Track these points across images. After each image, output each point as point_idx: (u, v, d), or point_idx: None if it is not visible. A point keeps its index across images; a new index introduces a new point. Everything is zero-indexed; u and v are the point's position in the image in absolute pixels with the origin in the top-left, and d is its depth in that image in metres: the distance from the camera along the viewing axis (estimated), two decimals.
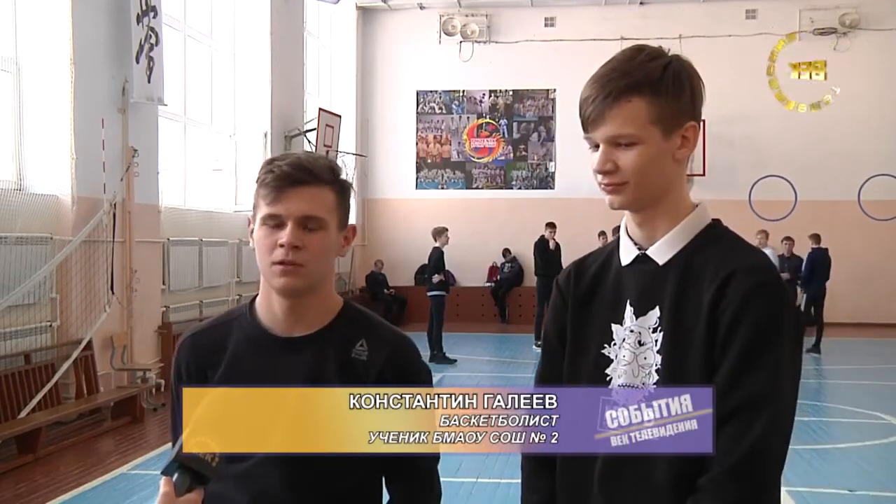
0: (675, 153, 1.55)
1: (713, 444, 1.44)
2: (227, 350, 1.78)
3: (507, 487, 5.73)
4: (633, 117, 1.50)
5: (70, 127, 8.07)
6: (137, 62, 8.89)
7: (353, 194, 1.86)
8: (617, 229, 1.74)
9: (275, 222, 1.67)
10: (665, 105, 1.51)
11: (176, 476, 1.34)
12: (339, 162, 1.82)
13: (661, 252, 1.58)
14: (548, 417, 1.72)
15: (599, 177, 1.56)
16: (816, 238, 12.92)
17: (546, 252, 13.31)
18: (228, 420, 1.43)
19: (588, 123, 1.55)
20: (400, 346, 1.78)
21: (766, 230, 11.73)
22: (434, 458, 1.84)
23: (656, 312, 1.55)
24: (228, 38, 12.87)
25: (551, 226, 13.73)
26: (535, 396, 1.76)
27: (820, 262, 12.70)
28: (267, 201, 1.68)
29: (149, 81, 9.13)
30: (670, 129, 1.53)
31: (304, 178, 1.66)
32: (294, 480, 1.71)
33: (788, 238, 13.01)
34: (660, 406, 1.51)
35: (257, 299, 1.80)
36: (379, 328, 1.80)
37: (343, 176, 1.76)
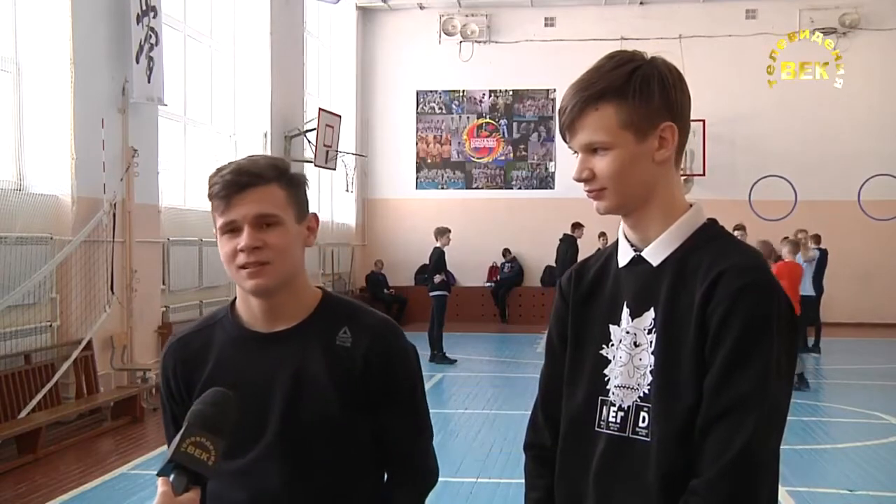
0: (653, 155, 1.56)
1: (704, 446, 1.44)
2: (211, 352, 1.81)
3: (507, 487, 5.73)
4: (603, 124, 1.53)
5: (70, 127, 8.07)
6: (137, 62, 8.89)
7: (309, 186, 1.89)
8: None
9: (231, 228, 1.70)
10: (633, 109, 1.52)
11: (173, 476, 1.34)
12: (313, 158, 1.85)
13: (655, 253, 1.59)
14: (550, 417, 1.74)
15: (582, 184, 1.59)
16: (817, 239, 12.98)
17: (570, 252, 13.50)
18: (221, 418, 1.43)
19: (564, 133, 1.59)
20: (383, 331, 1.80)
21: (805, 229, 11.61)
22: (427, 439, 1.88)
23: (651, 314, 1.56)
24: (228, 38, 12.87)
25: (580, 226, 13.90)
26: (538, 396, 1.78)
27: (824, 262, 12.78)
28: (219, 212, 1.72)
29: (149, 81, 9.13)
30: (644, 131, 1.54)
31: (248, 182, 1.70)
32: (291, 475, 1.73)
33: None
34: (654, 407, 1.52)
35: (237, 300, 1.83)
36: (360, 314, 1.82)
37: (291, 170, 1.79)
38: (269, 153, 13.00)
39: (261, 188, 1.70)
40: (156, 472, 1.35)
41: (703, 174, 16.34)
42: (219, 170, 1.74)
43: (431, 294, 12.12)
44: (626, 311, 1.60)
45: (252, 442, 1.74)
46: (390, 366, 1.77)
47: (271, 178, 1.72)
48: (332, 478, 1.75)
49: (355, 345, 1.75)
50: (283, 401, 1.73)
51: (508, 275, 17.59)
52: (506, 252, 17.58)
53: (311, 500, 1.74)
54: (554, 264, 16.36)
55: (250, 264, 1.68)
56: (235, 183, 1.69)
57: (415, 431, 1.85)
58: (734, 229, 11.25)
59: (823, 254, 12.87)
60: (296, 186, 1.77)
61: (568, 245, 13.84)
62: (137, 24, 8.92)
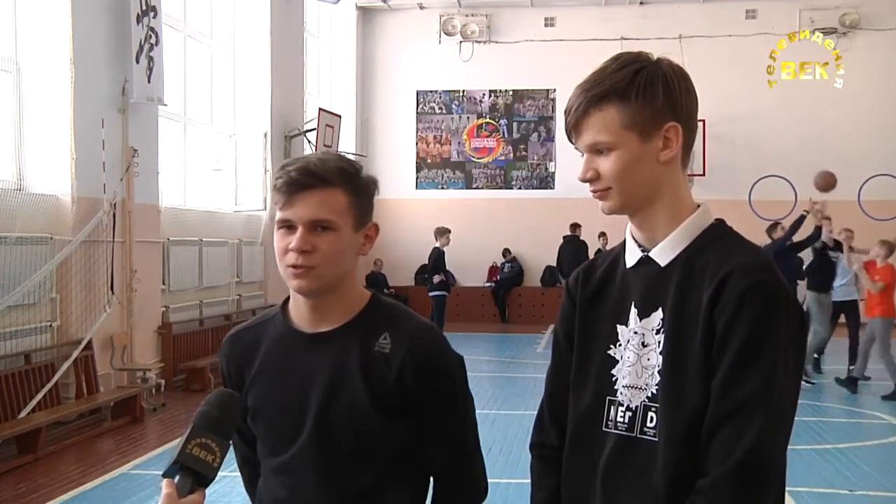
0: (658, 155, 1.56)
1: (711, 446, 1.45)
2: (261, 348, 1.83)
3: (507, 487, 5.72)
4: (606, 124, 1.54)
5: (70, 127, 8.07)
6: (137, 62, 8.89)
7: (378, 192, 1.87)
8: None
9: (287, 226, 1.70)
10: (637, 110, 1.53)
11: (178, 478, 1.34)
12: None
13: (663, 253, 1.59)
14: (556, 416, 1.74)
15: (587, 185, 1.60)
16: None
17: (583, 251, 13.55)
18: (226, 420, 1.43)
19: (570, 134, 1.61)
20: (421, 338, 1.78)
21: (851, 229, 11.46)
22: (469, 450, 1.84)
23: (659, 314, 1.56)
24: (228, 38, 12.87)
25: (578, 226, 13.91)
26: (544, 396, 1.78)
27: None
28: (279, 206, 1.71)
29: (149, 81, 9.13)
30: (648, 131, 1.55)
31: (311, 183, 1.68)
32: (324, 476, 1.73)
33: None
34: (661, 407, 1.52)
35: (289, 298, 1.84)
36: (402, 320, 1.80)
37: (360, 174, 1.76)
38: (269, 153, 13.00)
39: (323, 191, 1.68)
40: (161, 473, 1.35)
41: (703, 174, 16.34)
42: (288, 163, 1.73)
43: (431, 294, 12.13)
44: (633, 312, 1.60)
45: (291, 440, 1.75)
46: (426, 374, 1.74)
47: (336, 183, 1.70)
48: (367, 480, 1.74)
49: (393, 351, 1.74)
50: (319, 402, 1.73)
51: (508, 275, 17.59)
52: (506, 252, 17.58)
53: (344, 500, 1.74)
54: (554, 265, 16.41)
55: (297, 266, 1.68)
56: (298, 182, 1.68)
57: (454, 442, 1.81)
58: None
59: None
60: (361, 193, 1.75)
61: (577, 245, 13.88)
62: (137, 24, 8.91)
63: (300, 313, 1.79)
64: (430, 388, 1.75)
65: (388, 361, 1.73)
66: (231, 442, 1.42)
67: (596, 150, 1.57)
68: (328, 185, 1.69)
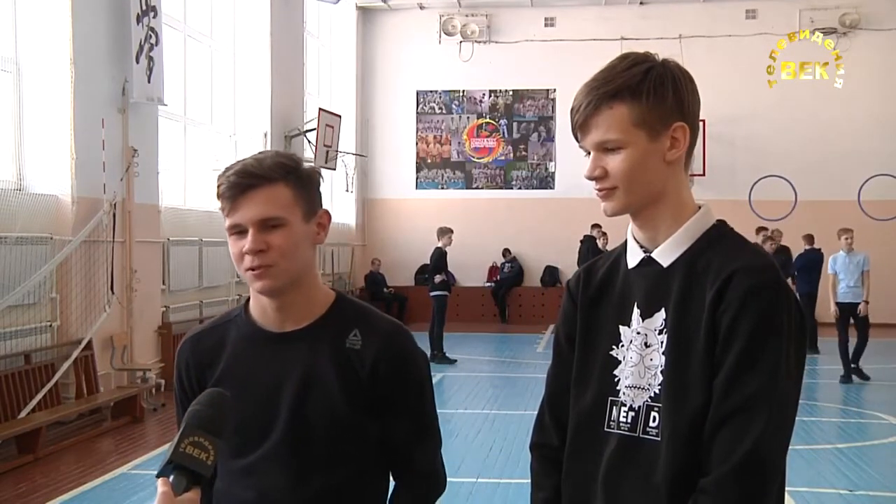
0: (664, 155, 1.57)
1: (714, 445, 1.45)
2: (225, 349, 1.82)
3: (507, 487, 5.72)
4: (616, 122, 1.54)
5: (70, 127, 8.07)
6: (137, 62, 8.89)
7: (323, 180, 1.86)
8: None
9: (237, 230, 1.70)
10: (647, 108, 1.54)
11: (172, 477, 1.34)
12: (301, 154, 1.83)
13: (665, 254, 1.60)
14: (557, 417, 1.74)
15: (593, 183, 1.60)
16: (810, 239, 13.02)
17: (597, 252, 13.56)
18: (218, 418, 1.43)
19: (577, 132, 1.60)
20: (393, 335, 1.80)
21: (851, 228, 11.42)
22: (434, 445, 1.88)
23: (662, 314, 1.57)
24: (228, 38, 12.87)
25: (597, 226, 13.87)
26: (544, 396, 1.78)
27: (814, 262, 12.80)
28: (226, 213, 1.71)
29: (149, 81, 9.13)
30: (656, 130, 1.55)
31: (252, 183, 1.68)
32: (296, 475, 1.73)
33: (771, 238, 13.12)
34: (664, 407, 1.53)
35: (251, 299, 1.84)
36: (372, 318, 1.82)
37: (300, 166, 1.75)
38: None
39: (265, 189, 1.68)
40: (155, 474, 1.35)
41: (703, 174, 16.35)
42: (226, 169, 1.73)
43: (432, 294, 12.13)
44: (636, 312, 1.61)
45: (259, 441, 1.75)
46: (399, 371, 1.77)
47: (277, 178, 1.69)
48: (337, 479, 1.75)
49: (365, 348, 1.75)
50: (292, 401, 1.73)
51: (508, 275, 17.60)
52: (506, 252, 17.59)
53: (315, 500, 1.74)
54: (554, 265, 16.39)
55: (255, 267, 1.68)
56: (239, 184, 1.68)
57: (421, 437, 1.85)
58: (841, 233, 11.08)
59: (818, 254, 12.88)
60: (305, 184, 1.74)
61: (588, 246, 13.89)
62: (137, 24, 8.91)
63: (264, 314, 1.79)
64: (402, 384, 1.78)
65: (361, 357, 1.75)
66: (224, 441, 1.41)
67: (604, 148, 1.56)
68: (269, 181, 1.69)
